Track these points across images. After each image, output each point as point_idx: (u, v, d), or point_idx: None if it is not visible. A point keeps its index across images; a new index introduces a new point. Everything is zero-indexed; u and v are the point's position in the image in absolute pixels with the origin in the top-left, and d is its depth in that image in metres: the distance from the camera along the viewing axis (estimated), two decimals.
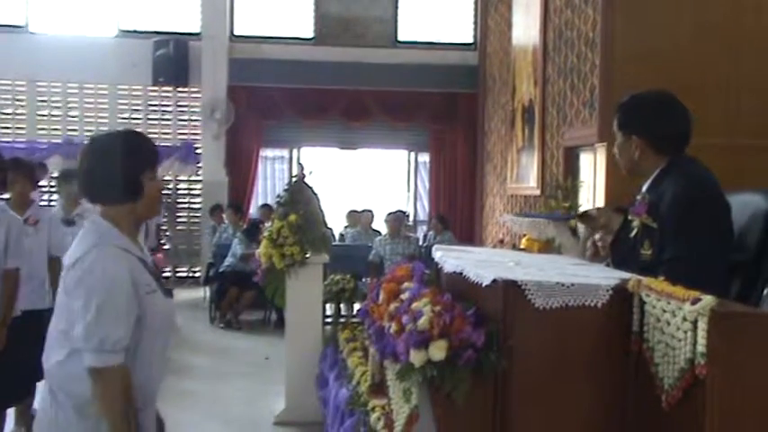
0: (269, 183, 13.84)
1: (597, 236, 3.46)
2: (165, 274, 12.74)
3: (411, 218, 13.53)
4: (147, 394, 2.57)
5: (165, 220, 12.92)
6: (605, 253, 3.59)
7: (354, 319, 6.03)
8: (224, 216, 11.75)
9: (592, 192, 7.64)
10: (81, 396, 2.44)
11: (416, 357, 2.03)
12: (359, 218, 11.68)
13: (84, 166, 2.57)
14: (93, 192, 2.60)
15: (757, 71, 7.18)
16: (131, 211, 2.58)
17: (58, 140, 12.71)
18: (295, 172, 6.68)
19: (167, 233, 13.02)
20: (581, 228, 3.77)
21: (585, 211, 3.35)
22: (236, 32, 13.16)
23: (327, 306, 6.45)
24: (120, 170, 2.52)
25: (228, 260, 10.29)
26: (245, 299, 10.06)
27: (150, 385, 2.59)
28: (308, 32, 13.25)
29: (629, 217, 2.88)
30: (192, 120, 13.16)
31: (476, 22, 13.34)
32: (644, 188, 2.91)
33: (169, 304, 2.67)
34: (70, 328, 2.42)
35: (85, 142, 2.66)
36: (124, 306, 2.41)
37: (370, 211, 11.79)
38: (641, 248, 2.76)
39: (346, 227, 11.59)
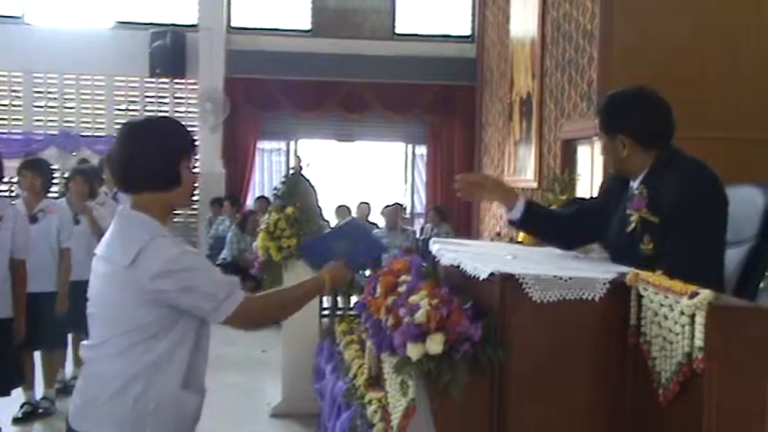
0: (266, 175, 13.82)
1: None
2: None
3: (408, 210, 13.53)
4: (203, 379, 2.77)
5: None
6: None
7: (351, 312, 6.02)
8: (222, 209, 11.75)
9: (589, 184, 7.64)
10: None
11: (413, 351, 2.03)
12: (347, 213, 11.67)
13: (122, 152, 2.50)
14: (131, 180, 2.52)
15: (756, 65, 7.17)
16: (165, 200, 2.55)
17: (55, 132, 12.68)
18: (292, 164, 6.67)
19: None
20: None
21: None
22: (233, 24, 13.13)
23: (324, 298, 6.45)
24: (159, 157, 2.48)
25: (225, 252, 10.28)
26: None
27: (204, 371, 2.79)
28: (306, 24, 13.21)
29: (627, 211, 2.85)
30: (188, 111, 13.13)
31: (474, 15, 13.32)
32: (636, 182, 2.88)
33: None
34: (128, 325, 2.42)
35: (120, 128, 2.59)
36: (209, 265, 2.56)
37: (367, 203, 11.79)
38: (641, 243, 2.74)
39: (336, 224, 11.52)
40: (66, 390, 6.32)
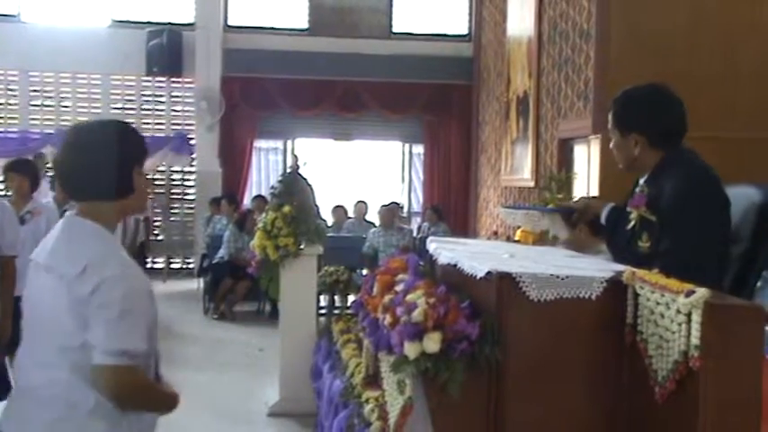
0: (263, 174, 13.83)
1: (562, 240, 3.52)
2: (158, 266, 12.76)
3: (405, 209, 13.54)
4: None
5: (158, 211, 12.90)
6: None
7: (348, 311, 6.03)
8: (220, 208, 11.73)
9: (586, 183, 7.64)
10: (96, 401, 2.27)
11: (411, 349, 2.03)
12: (343, 213, 11.67)
13: (69, 159, 2.36)
14: (79, 187, 2.37)
15: (752, 64, 7.18)
16: (117, 208, 2.39)
17: (51, 131, 12.66)
18: (289, 163, 6.67)
19: (158, 224, 13.01)
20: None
21: (574, 207, 3.33)
22: (230, 23, 13.12)
23: (321, 298, 6.45)
24: (110, 164, 2.33)
25: (222, 251, 10.28)
26: (238, 290, 10.06)
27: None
28: (303, 23, 13.21)
29: (628, 209, 2.87)
30: (185, 110, 13.12)
31: (471, 14, 13.32)
32: (642, 181, 2.91)
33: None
34: (71, 341, 2.23)
35: (66, 132, 2.45)
36: (146, 318, 2.31)
37: (364, 202, 11.79)
38: (639, 241, 2.76)
39: (332, 224, 11.49)
40: None
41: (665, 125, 2.87)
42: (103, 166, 2.34)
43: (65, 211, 5.86)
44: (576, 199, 3.61)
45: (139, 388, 2.33)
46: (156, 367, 2.49)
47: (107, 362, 2.20)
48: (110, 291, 2.20)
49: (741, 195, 2.91)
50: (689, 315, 1.81)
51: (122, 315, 2.21)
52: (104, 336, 2.19)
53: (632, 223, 2.83)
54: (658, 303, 1.93)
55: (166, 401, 2.50)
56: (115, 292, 2.21)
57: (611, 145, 3.04)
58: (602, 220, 3.13)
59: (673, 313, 1.87)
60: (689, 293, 1.82)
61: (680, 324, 1.84)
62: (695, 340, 1.79)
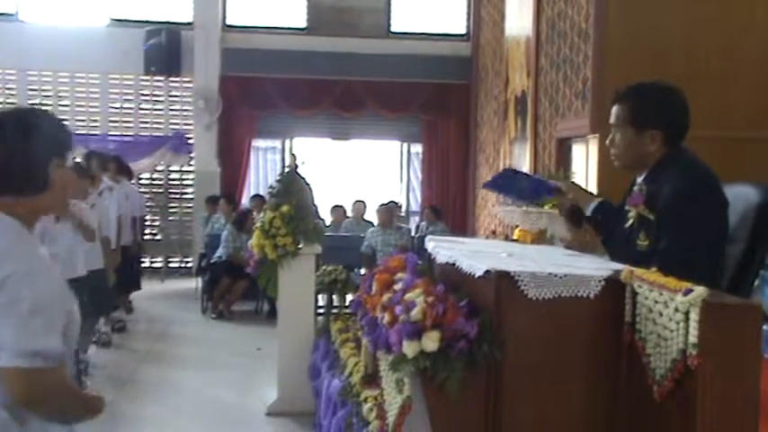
0: (261, 173, 13.83)
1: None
2: (156, 265, 12.75)
3: (403, 209, 13.54)
4: None
5: (156, 210, 12.90)
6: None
7: (346, 310, 6.03)
8: (217, 207, 11.73)
9: (584, 183, 7.64)
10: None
11: (409, 348, 2.04)
12: (341, 212, 11.67)
13: None
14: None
15: (749, 64, 7.19)
16: (31, 205, 2.17)
17: None
18: (287, 162, 6.66)
19: (156, 223, 13.01)
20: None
21: (559, 188, 3.33)
22: (228, 22, 13.12)
23: (319, 297, 6.45)
24: (23, 157, 2.13)
25: (220, 250, 10.27)
26: (236, 289, 10.05)
27: None
28: (301, 22, 13.20)
29: (626, 207, 2.87)
30: (184, 110, 13.12)
31: (469, 13, 13.32)
32: (640, 179, 2.90)
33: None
34: None
35: None
36: (60, 316, 2.11)
37: (362, 201, 11.79)
38: (637, 239, 2.76)
39: (330, 223, 11.48)
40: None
41: (683, 123, 2.87)
42: (11, 158, 2.13)
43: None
44: (571, 180, 3.62)
45: (54, 391, 2.08)
46: (78, 373, 2.27)
47: (17, 364, 1.99)
48: (18, 286, 2.02)
49: (739, 195, 2.91)
50: (687, 314, 1.82)
51: (33, 312, 2.00)
52: (13, 335, 1.99)
53: (630, 222, 2.83)
54: (656, 302, 1.94)
55: (86, 406, 2.22)
56: (25, 287, 2.02)
57: (615, 140, 2.97)
58: (588, 212, 3.13)
59: (671, 312, 1.87)
60: (687, 292, 1.82)
61: (678, 323, 1.84)
62: (693, 339, 1.79)
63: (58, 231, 6.04)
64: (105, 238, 7.21)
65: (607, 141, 3.04)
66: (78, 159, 8.54)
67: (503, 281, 2.07)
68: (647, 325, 1.98)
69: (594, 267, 2.23)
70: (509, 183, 3.52)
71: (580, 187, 3.41)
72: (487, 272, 2.11)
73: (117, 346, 8.02)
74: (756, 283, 2.78)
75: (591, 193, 3.32)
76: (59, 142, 2.23)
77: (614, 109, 2.97)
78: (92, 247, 6.56)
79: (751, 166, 5.64)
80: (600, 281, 2.09)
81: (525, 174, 3.76)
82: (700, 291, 1.80)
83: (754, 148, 6.76)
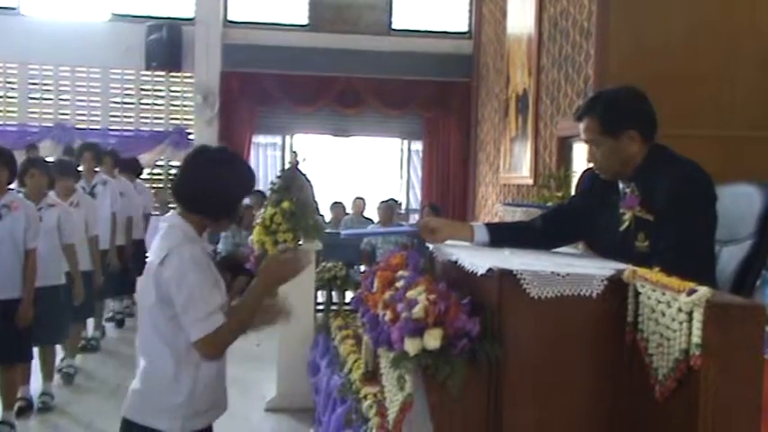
0: (261, 169, 13.81)
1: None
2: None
3: (403, 206, 13.53)
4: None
5: (157, 206, 12.89)
6: None
7: (346, 307, 6.03)
8: None
9: None
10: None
11: (411, 346, 2.03)
12: (341, 210, 11.66)
13: (200, 176, 2.90)
14: (198, 203, 2.90)
15: (751, 63, 7.18)
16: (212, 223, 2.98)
17: (50, 124, 12.65)
18: (288, 159, 6.66)
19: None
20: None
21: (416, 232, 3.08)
22: (229, 18, 13.11)
23: (319, 293, 6.45)
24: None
25: (220, 246, 10.26)
26: (236, 285, 10.01)
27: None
28: (303, 19, 13.19)
29: (621, 210, 2.82)
30: (184, 105, 13.11)
31: (470, 11, 13.31)
32: (622, 184, 2.84)
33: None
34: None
35: (201, 152, 3.00)
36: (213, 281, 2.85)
37: (362, 198, 11.78)
38: (635, 241, 2.72)
39: (330, 220, 11.48)
40: (63, 377, 6.51)
41: (654, 116, 2.85)
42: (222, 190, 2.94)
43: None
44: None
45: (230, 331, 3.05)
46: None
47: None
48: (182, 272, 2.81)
49: (742, 195, 2.90)
50: (690, 314, 1.81)
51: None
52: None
53: (626, 224, 2.78)
54: (659, 302, 1.93)
55: (249, 307, 3.15)
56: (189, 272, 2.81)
57: (594, 154, 2.89)
58: (485, 240, 2.89)
59: (674, 312, 1.87)
60: (691, 292, 1.82)
61: (681, 323, 1.84)
62: (696, 339, 1.78)
63: (42, 230, 5.71)
64: (93, 237, 6.91)
65: (586, 158, 2.99)
66: (64, 157, 8.43)
67: (505, 279, 2.06)
68: (650, 325, 1.97)
69: (597, 267, 2.22)
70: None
71: (443, 222, 3.03)
72: (490, 270, 2.10)
73: (117, 340, 8.01)
74: (758, 283, 2.77)
75: (456, 223, 3.09)
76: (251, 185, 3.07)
77: (583, 125, 2.89)
78: (78, 247, 6.33)
79: (752, 165, 5.64)
80: (602, 280, 2.08)
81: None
82: (704, 291, 1.79)
83: (756, 147, 6.76)
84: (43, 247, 5.59)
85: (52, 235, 5.88)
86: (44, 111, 12.82)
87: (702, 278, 1.95)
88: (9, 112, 12.78)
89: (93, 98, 12.90)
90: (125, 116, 13.00)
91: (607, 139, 2.82)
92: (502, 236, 2.93)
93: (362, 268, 8.79)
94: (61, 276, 5.98)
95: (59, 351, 6.57)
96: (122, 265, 8.23)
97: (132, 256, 8.55)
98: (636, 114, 2.83)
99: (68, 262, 6.09)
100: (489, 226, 2.96)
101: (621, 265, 2.22)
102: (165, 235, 2.84)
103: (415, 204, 14.01)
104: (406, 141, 14.02)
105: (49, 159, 7.28)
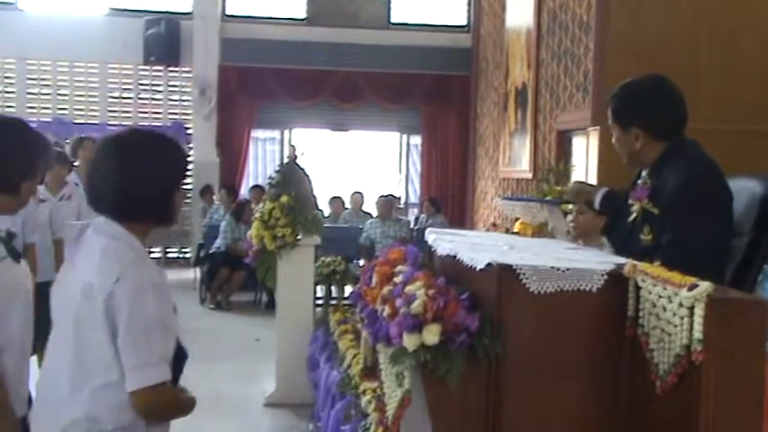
0: (260, 164, 13.81)
1: (570, 216, 3.57)
2: (154, 255, 12.72)
3: (402, 201, 13.52)
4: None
5: None
6: (576, 232, 3.65)
7: (345, 302, 6.02)
8: (214, 197, 11.73)
9: (584, 176, 7.62)
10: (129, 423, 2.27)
11: (410, 341, 2.01)
12: (340, 204, 11.65)
13: (117, 173, 2.34)
14: (126, 206, 2.37)
15: (750, 56, 7.17)
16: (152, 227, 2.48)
17: (48, 119, 12.63)
18: (286, 153, 6.65)
19: None
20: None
21: (566, 200, 3.37)
22: (227, 12, 13.09)
23: (318, 288, 6.45)
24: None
25: (219, 241, 10.26)
26: (235, 280, 10.05)
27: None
28: (301, 13, 13.17)
29: (630, 201, 2.86)
30: (182, 100, 13.09)
31: (469, 4, 13.29)
32: (644, 173, 2.89)
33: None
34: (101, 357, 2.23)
35: (112, 142, 2.42)
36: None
37: (360, 193, 11.78)
38: (640, 233, 2.75)
39: (329, 215, 11.48)
40: None
41: (665, 117, 2.85)
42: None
43: None
44: (570, 184, 3.64)
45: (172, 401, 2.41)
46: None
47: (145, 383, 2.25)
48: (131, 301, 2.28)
49: (742, 188, 2.89)
50: (691, 309, 1.80)
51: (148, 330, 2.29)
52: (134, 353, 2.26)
53: (634, 215, 2.82)
54: (660, 296, 1.92)
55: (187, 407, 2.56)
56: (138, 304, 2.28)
57: (613, 140, 3.01)
58: (597, 205, 3.14)
59: (675, 307, 1.85)
60: (692, 287, 1.80)
61: (682, 318, 1.82)
62: (698, 334, 1.77)
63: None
64: None
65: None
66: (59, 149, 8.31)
67: (504, 274, 2.04)
68: (651, 320, 1.96)
69: (597, 261, 2.21)
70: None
71: (586, 184, 3.45)
72: (489, 265, 2.09)
73: None
74: (759, 277, 2.75)
75: (593, 186, 3.34)
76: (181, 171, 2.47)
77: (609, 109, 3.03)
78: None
79: (753, 159, 5.62)
80: (603, 275, 2.06)
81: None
82: (705, 286, 1.78)
83: (756, 141, 6.74)
84: (37, 242, 5.55)
85: (45, 230, 5.83)
86: (42, 106, 12.80)
87: (705, 273, 1.94)
88: (7, 107, 12.75)
89: (91, 93, 12.89)
90: (123, 111, 12.99)
91: (618, 129, 2.95)
92: (609, 203, 3.14)
93: (361, 263, 8.80)
94: (53, 273, 5.94)
95: None
96: None
97: None
98: (643, 114, 2.85)
99: (57, 258, 5.98)
100: (606, 192, 3.19)
101: (622, 260, 2.20)
102: (109, 251, 2.28)
103: (414, 199, 14.00)
104: (404, 135, 14.01)
105: None
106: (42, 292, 5.21)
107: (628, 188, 3.01)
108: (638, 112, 2.87)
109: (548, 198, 3.57)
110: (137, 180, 2.32)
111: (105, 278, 2.22)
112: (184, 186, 2.51)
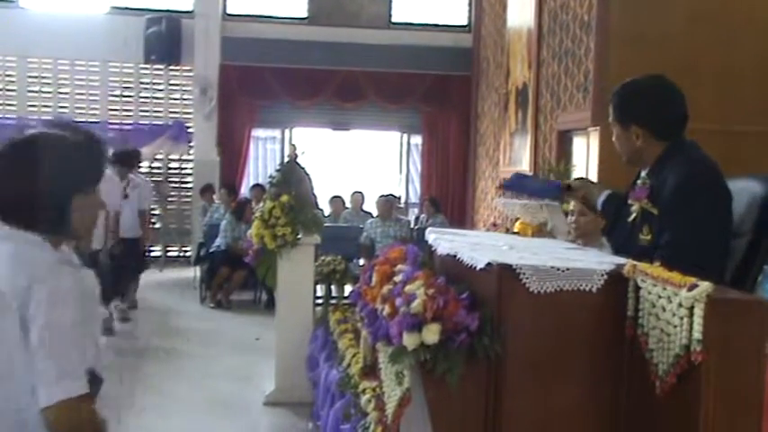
0: (261, 163, 13.80)
1: (571, 217, 3.56)
2: (154, 254, 12.72)
3: (403, 200, 13.52)
4: None
5: (156, 200, 12.88)
6: (577, 233, 3.66)
7: (345, 301, 6.02)
8: (214, 197, 11.73)
9: (585, 175, 7.63)
10: None
11: (409, 340, 2.02)
12: (340, 203, 11.65)
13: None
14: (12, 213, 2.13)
15: (751, 57, 7.17)
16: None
17: (49, 117, 12.62)
18: (287, 152, 6.65)
19: (155, 212, 12.99)
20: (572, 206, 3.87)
21: (569, 183, 3.34)
22: (228, 11, 13.08)
23: (318, 287, 6.44)
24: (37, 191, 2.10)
25: (219, 240, 10.26)
26: (235, 279, 10.05)
27: None
28: (302, 12, 13.17)
29: (629, 201, 2.86)
30: (183, 98, 13.09)
31: (470, 4, 13.28)
32: (644, 173, 2.90)
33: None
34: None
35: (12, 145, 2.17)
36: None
37: (361, 192, 11.78)
38: (640, 233, 2.76)
39: (329, 214, 11.47)
40: None
41: (666, 116, 2.86)
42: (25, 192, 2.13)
43: None
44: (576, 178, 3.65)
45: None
46: None
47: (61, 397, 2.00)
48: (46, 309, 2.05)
49: (743, 188, 2.89)
50: (691, 309, 1.80)
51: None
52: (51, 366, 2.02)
53: (633, 216, 2.83)
54: (660, 297, 1.92)
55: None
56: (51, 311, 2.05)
57: (613, 138, 3.02)
58: (599, 206, 3.15)
59: (674, 307, 1.85)
60: (692, 287, 1.80)
61: (682, 318, 1.82)
62: (697, 334, 1.77)
63: None
64: None
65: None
66: None
67: (504, 274, 2.05)
68: (650, 320, 1.96)
69: (597, 261, 2.21)
70: (520, 185, 3.60)
71: (590, 181, 3.44)
72: (489, 264, 2.09)
73: (116, 334, 8.00)
74: (759, 278, 2.76)
75: (598, 185, 3.33)
76: (81, 173, 2.18)
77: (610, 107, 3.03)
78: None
79: (752, 159, 5.63)
80: (602, 275, 2.07)
81: (532, 177, 3.87)
82: (704, 286, 1.78)
83: (755, 141, 6.75)
84: None
85: None
86: (43, 104, 12.79)
87: (704, 273, 1.94)
88: (8, 105, 12.75)
89: (92, 91, 12.88)
90: (124, 109, 12.99)
91: (617, 126, 2.95)
92: (610, 204, 3.12)
93: (361, 262, 8.81)
94: None
95: None
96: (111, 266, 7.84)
97: (120, 256, 8.16)
98: (644, 113, 2.86)
99: None
100: (609, 194, 3.14)
101: (622, 260, 2.21)
102: (20, 257, 2.06)
103: (414, 198, 14.00)
104: (405, 135, 14.01)
105: None
106: None
107: (627, 190, 3.01)
108: (638, 111, 2.88)
109: (551, 181, 3.55)
110: (19, 186, 2.10)
111: (17, 285, 2.01)
112: (90, 191, 2.21)
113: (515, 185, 3.60)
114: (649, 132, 2.84)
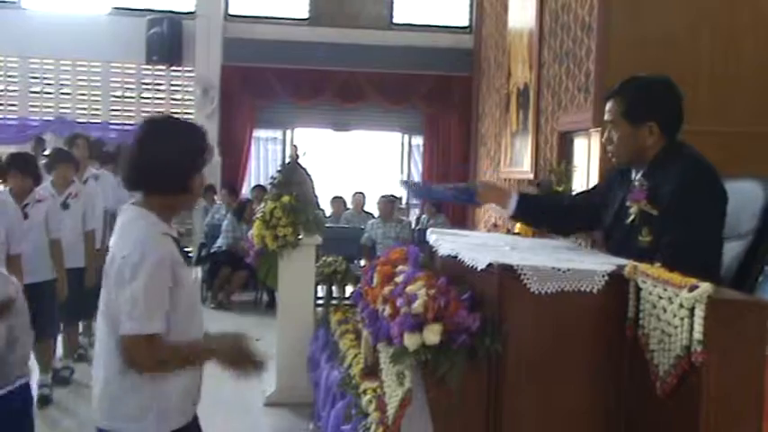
0: (262, 163, 13.80)
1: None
2: None
3: (404, 201, 13.51)
4: None
5: None
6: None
7: (346, 302, 6.02)
8: (216, 197, 11.73)
9: (585, 176, 7.63)
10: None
11: (410, 341, 2.02)
12: (342, 204, 11.65)
13: (140, 151, 2.66)
14: (144, 179, 2.68)
15: (753, 59, 7.17)
16: (172, 201, 2.72)
17: (50, 118, 12.63)
18: (288, 153, 6.65)
19: None
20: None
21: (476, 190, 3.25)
22: (230, 12, 13.08)
23: (319, 288, 6.44)
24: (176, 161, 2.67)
25: (220, 240, 10.27)
26: (236, 279, 10.05)
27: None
28: (303, 13, 13.16)
29: (627, 203, 2.84)
30: (185, 99, 13.09)
31: (472, 5, 13.28)
32: (638, 174, 2.87)
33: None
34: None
35: (142, 125, 2.76)
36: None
37: (362, 193, 11.78)
38: (639, 235, 2.74)
39: (330, 215, 11.48)
40: (56, 378, 6.26)
41: (679, 114, 2.85)
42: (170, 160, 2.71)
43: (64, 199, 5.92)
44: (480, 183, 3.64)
45: (170, 351, 2.77)
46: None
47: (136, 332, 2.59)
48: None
49: (743, 190, 2.89)
50: (692, 310, 1.80)
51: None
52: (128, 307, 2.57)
53: (632, 218, 2.80)
54: (660, 298, 1.92)
55: (190, 358, 3.03)
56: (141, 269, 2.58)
57: (611, 137, 2.95)
58: (510, 211, 3.14)
59: (675, 308, 1.86)
60: (692, 288, 1.81)
61: (682, 319, 1.83)
62: (698, 335, 1.78)
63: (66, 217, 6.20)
64: (89, 232, 6.59)
65: (603, 139, 3.02)
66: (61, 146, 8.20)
67: (506, 274, 2.05)
68: (651, 321, 1.96)
69: (598, 262, 2.21)
70: (428, 192, 3.59)
71: (494, 185, 3.41)
72: (490, 265, 2.09)
73: None
74: (760, 279, 2.76)
75: (504, 189, 3.32)
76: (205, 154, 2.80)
77: (609, 105, 2.95)
78: (73, 243, 6.27)
79: (753, 161, 5.62)
80: (603, 275, 2.07)
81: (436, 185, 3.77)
82: (705, 287, 1.78)
83: (757, 143, 6.74)
84: (33, 243, 5.56)
85: (41, 231, 5.79)
86: (45, 104, 12.79)
87: (705, 274, 1.94)
88: (10, 105, 12.75)
89: (93, 92, 12.87)
90: (125, 110, 12.98)
91: (626, 125, 2.88)
92: (528, 208, 3.15)
93: (362, 263, 8.80)
94: (49, 272, 5.88)
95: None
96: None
97: None
98: (662, 107, 2.84)
99: (53, 258, 5.91)
100: (521, 197, 3.14)
101: (623, 261, 2.21)
102: (125, 229, 2.64)
103: (415, 199, 13.98)
104: (406, 136, 14.00)
105: (45, 153, 7.22)
106: (34, 293, 5.11)
107: (546, 188, 3.01)
108: (657, 106, 2.84)
109: (462, 188, 3.39)
110: (164, 153, 2.65)
111: (119, 252, 2.57)
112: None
113: (423, 193, 3.61)
114: (661, 129, 2.82)
